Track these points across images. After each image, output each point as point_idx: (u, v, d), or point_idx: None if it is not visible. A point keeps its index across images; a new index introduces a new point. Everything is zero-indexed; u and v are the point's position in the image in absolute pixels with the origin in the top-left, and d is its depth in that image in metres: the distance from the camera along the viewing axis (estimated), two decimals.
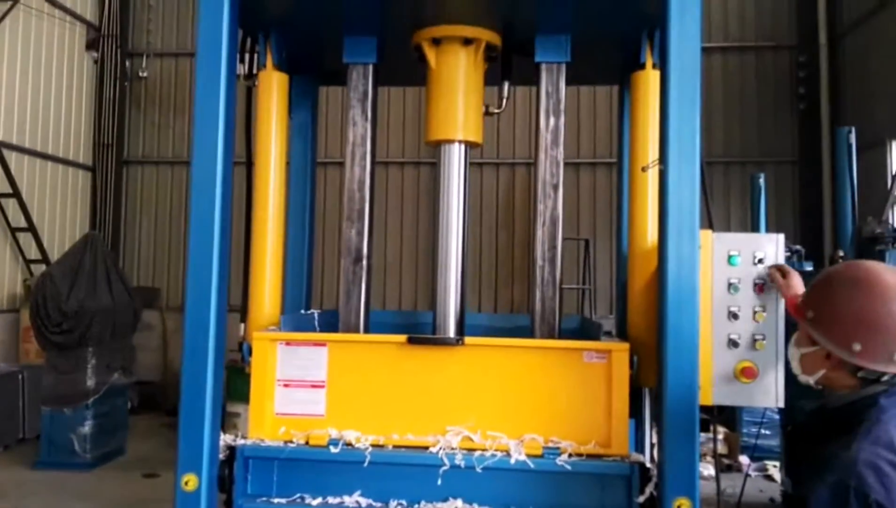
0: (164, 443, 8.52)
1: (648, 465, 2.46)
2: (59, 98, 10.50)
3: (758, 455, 7.25)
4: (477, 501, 2.51)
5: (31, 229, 9.49)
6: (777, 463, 7.13)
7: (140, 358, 9.29)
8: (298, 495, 2.59)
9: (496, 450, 2.49)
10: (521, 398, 2.57)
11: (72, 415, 7.18)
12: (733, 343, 2.52)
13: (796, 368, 1.90)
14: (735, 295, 2.51)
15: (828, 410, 1.82)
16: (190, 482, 2.47)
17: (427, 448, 2.53)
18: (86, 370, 7.21)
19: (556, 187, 2.84)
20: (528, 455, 2.46)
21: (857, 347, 1.70)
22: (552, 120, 2.88)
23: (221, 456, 2.56)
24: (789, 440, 2.01)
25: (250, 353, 2.69)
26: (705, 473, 6.85)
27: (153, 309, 10.77)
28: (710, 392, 2.48)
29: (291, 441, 2.60)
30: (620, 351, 2.52)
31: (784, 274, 2.48)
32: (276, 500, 2.58)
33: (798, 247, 7.06)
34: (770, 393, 2.48)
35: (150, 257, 11.47)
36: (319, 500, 2.57)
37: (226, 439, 2.60)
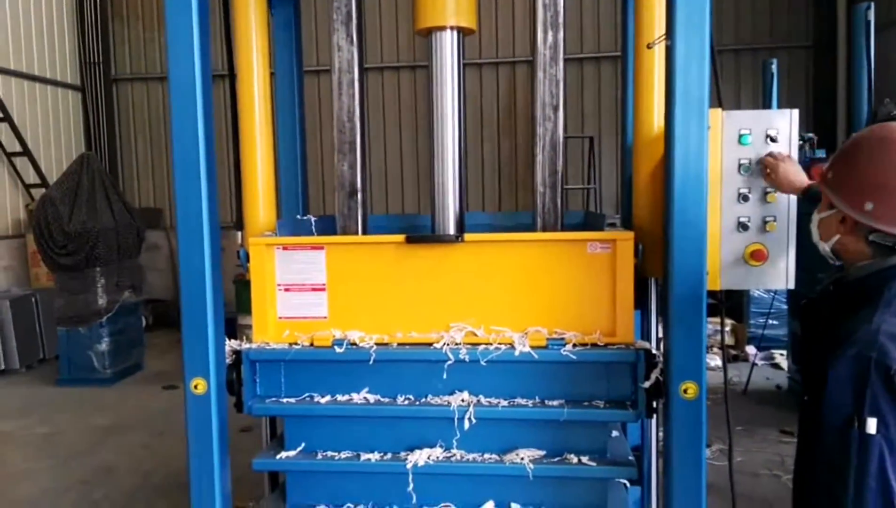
0: (180, 358, 8.67)
1: (654, 352, 2.44)
2: (39, 15, 10.16)
3: (765, 344, 7.33)
4: (483, 393, 2.52)
5: (27, 152, 9.39)
6: (784, 352, 7.21)
7: (150, 279, 9.38)
8: (307, 395, 2.61)
9: (500, 344, 2.48)
10: (524, 293, 2.53)
11: (87, 334, 7.31)
12: (743, 226, 2.45)
13: (815, 235, 1.86)
14: (746, 176, 2.42)
15: (846, 283, 1.75)
16: (199, 385, 2.48)
17: (431, 344, 2.52)
18: (96, 289, 7.28)
19: (556, 109, 2.68)
20: (533, 347, 2.45)
21: (868, 206, 1.64)
22: (550, 35, 2.69)
23: (228, 361, 2.57)
24: (803, 315, 1.94)
25: (248, 259, 2.65)
26: (712, 364, 6.96)
27: (158, 229, 10.79)
28: (718, 277, 2.43)
29: (296, 344, 2.60)
30: (625, 240, 2.46)
31: (777, 162, 2.39)
32: (284, 400, 2.61)
33: (811, 134, 6.89)
34: (780, 275, 2.43)
35: (150, 177, 11.39)
36: (328, 398, 2.59)
37: (231, 344, 2.60)
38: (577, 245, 2.49)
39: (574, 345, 2.44)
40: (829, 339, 1.65)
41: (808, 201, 2.36)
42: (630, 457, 2.60)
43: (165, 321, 10.14)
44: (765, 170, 2.42)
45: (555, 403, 2.50)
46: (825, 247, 1.82)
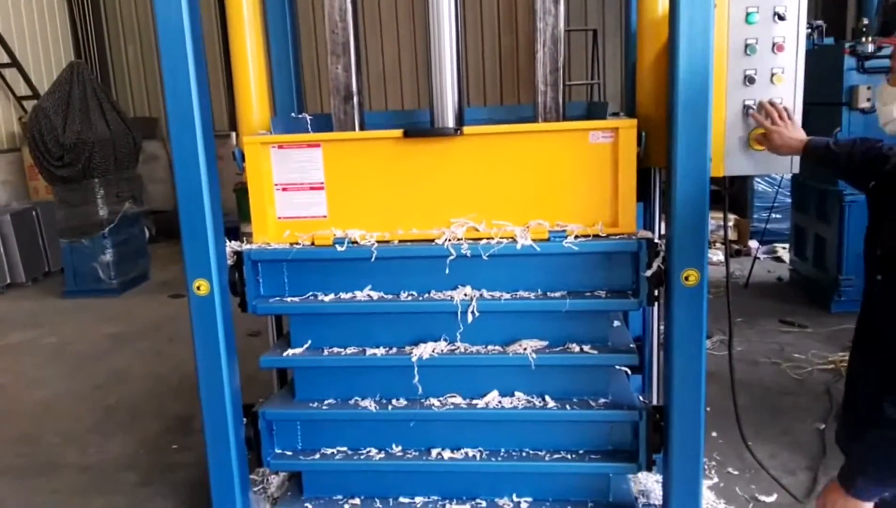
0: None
1: (657, 241, 2.43)
2: None
3: (767, 238, 7.33)
4: (485, 287, 2.54)
5: (16, 63, 9.15)
6: (786, 245, 7.23)
7: (150, 190, 9.33)
8: (311, 293, 2.63)
9: (502, 238, 2.47)
10: (525, 186, 2.51)
11: (90, 245, 7.32)
12: (749, 110, 2.38)
13: (890, 113, 1.80)
14: (752, 57, 2.33)
15: None
16: (202, 287, 2.49)
17: (432, 240, 2.51)
18: (95, 201, 7.24)
19: (556, 2, 2.55)
20: (535, 240, 2.44)
21: None
22: None
23: (230, 262, 2.57)
24: (873, 196, 1.83)
25: (243, 159, 2.60)
26: (714, 259, 6.99)
27: (154, 140, 10.63)
28: (722, 164, 2.38)
29: (297, 244, 2.60)
30: (628, 128, 2.41)
31: (779, 116, 2.30)
32: (288, 299, 2.62)
33: (819, 22, 6.64)
34: (785, 160, 2.38)
35: (143, 87, 11.12)
36: (332, 296, 2.61)
37: (231, 245, 2.60)
38: (578, 135, 2.44)
39: (576, 237, 2.43)
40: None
41: (809, 158, 2.26)
42: (631, 345, 2.64)
43: (168, 231, 10.13)
44: (762, 126, 2.33)
45: (557, 294, 2.52)
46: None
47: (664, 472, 2.51)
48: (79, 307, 7.06)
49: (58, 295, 7.58)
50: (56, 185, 7.25)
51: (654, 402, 2.99)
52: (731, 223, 7.69)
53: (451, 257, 2.47)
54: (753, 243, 7.51)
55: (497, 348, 2.57)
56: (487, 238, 2.48)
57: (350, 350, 2.65)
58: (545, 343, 2.56)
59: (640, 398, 2.83)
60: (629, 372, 2.95)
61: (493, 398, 2.59)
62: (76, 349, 5.85)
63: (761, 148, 2.35)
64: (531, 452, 2.61)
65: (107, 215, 7.34)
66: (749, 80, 2.35)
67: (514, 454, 2.61)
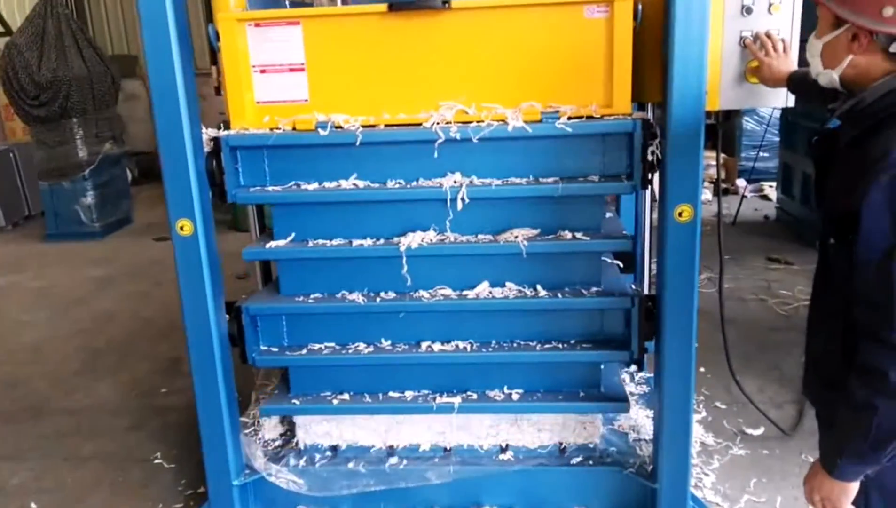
0: None
1: (652, 122, 2.33)
2: None
3: (755, 177, 7.32)
4: (476, 174, 2.45)
5: None
6: (773, 183, 7.22)
7: (131, 130, 9.11)
8: (293, 183, 2.53)
9: (492, 120, 2.37)
10: (516, 66, 2.38)
11: (71, 187, 7.20)
12: (744, 41, 2.30)
13: (817, 65, 1.61)
14: None
15: (861, 109, 1.52)
16: (185, 227, 2.43)
17: (420, 124, 2.40)
18: (75, 141, 7.08)
19: None
20: (526, 122, 2.33)
21: (888, 11, 1.42)
22: None
23: (206, 149, 2.44)
24: (815, 152, 1.75)
25: (217, 38, 2.45)
26: (702, 198, 6.98)
27: (134, 78, 10.35)
28: (718, 97, 2.32)
29: (277, 129, 2.47)
30: (624, 1, 2.28)
31: (773, 47, 2.23)
32: (270, 188, 2.53)
33: None
34: (779, 94, 2.32)
35: (121, 23, 10.79)
36: (315, 185, 2.51)
37: (208, 131, 2.46)
38: (573, 9, 2.32)
39: (569, 118, 2.33)
40: (851, 171, 1.48)
41: (792, 88, 2.21)
42: (624, 232, 2.60)
43: (151, 173, 9.95)
44: (755, 56, 2.26)
45: (549, 180, 2.43)
46: (833, 76, 1.58)
47: (656, 360, 2.48)
48: (61, 251, 6.98)
49: (39, 239, 7.48)
50: (33, 125, 7.08)
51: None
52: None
53: (440, 141, 2.36)
54: (741, 182, 7.50)
55: (488, 237, 2.50)
56: (477, 121, 2.38)
57: (336, 242, 2.56)
58: (537, 232, 2.49)
59: (633, 286, 2.78)
60: (621, 265, 2.89)
61: (483, 288, 2.53)
62: (61, 292, 5.79)
63: (756, 81, 2.29)
64: (522, 343, 2.58)
65: (87, 157, 7.19)
66: (746, 10, 2.27)
67: (504, 345, 2.58)
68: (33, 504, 2.97)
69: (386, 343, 2.63)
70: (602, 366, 2.66)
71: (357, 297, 2.57)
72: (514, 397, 2.62)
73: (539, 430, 2.73)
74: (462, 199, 2.41)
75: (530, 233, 2.48)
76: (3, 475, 3.17)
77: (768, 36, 2.25)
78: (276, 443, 2.90)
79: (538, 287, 2.53)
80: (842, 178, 1.55)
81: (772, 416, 3.19)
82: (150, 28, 2.23)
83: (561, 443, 2.73)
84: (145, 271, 6.23)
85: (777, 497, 2.73)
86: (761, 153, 7.27)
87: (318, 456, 2.78)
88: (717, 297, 2.94)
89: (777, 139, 7.00)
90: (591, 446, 2.72)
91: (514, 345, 2.58)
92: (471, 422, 2.73)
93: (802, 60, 2.14)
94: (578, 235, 2.47)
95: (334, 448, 2.80)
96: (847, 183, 1.49)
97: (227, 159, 2.45)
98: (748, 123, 7.72)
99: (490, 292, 2.53)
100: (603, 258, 2.69)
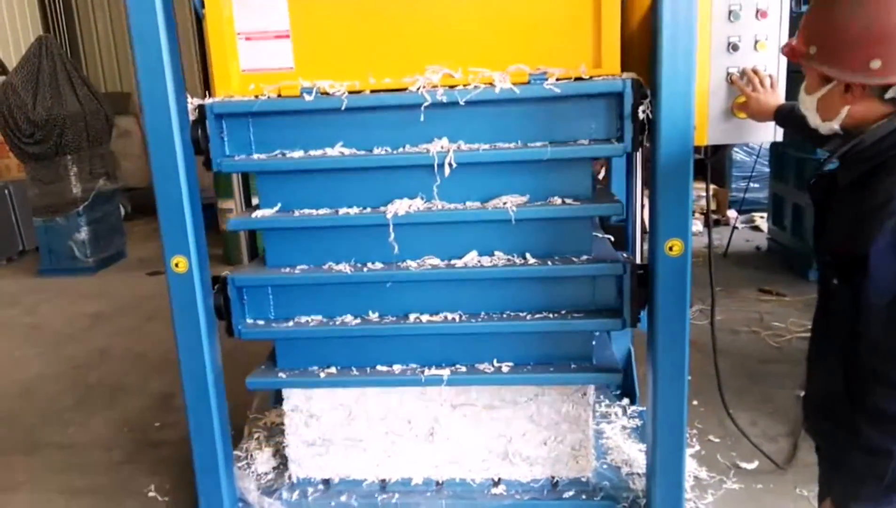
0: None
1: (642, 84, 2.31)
2: None
3: (745, 208, 7.38)
4: (463, 139, 2.43)
5: None
6: (764, 214, 7.28)
7: (124, 166, 9.13)
8: (278, 151, 2.52)
9: (480, 83, 2.34)
10: (503, 28, 2.38)
11: (65, 223, 7.19)
12: (731, 77, 2.36)
13: (815, 119, 1.63)
14: (735, 23, 2.30)
15: (861, 150, 1.51)
16: (180, 264, 2.45)
17: (406, 89, 2.38)
18: (69, 178, 7.09)
19: None
20: (514, 84, 2.32)
21: (875, 64, 1.44)
22: None
23: (191, 117, 2.43)
24: (814, 194, 1.74)
25: (203, 5, 2.44)
26: (693, 229, 7.03)
27: (127, 115, 10.43)
28: (706, 132, 2.37)
29: (262, 95, 2.46)
30: None
31: (760, 82, 2.29)
32: (255, 156, 2.52)
33: None
34: (768, 128, 2.37)
35: (114, 61, 10.88)
36: (301, 153, 2.50)
37: (193, 100, 2.45)
38: None
39: (557, 79, 2.32)
40: (853, 213, 1.49)
41: (780, 122, 2.27)
42: (615, 197, 2.60)
43: (144, 209, 9.96)
44: (742, 91, 2.32)
45: (538, 144, 2.41)
46: (833, 126, 1.59)
47: (649, 391, 2.46)
48: (55, 286, 6.95)
49: (33, 274, 7.46)
50: (28, 162, 7.10)
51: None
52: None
53: (426, 105, 2.33)
54: (732, 213, 7.56)
55: (476, 204, 2.47)
56: (464, 84, 2.35)
57: (322, 212, 2.53)
58: (526, 198, 2.46)
59: (625, 255, 2.71)
60: (612, 239, 2.85)
61: (471, 257, 2.50)
62: (54, 327, 5.76)
63: (744, 116, 2.35)
64: (512, 314, 2.53)
65: (80, 193, 7.20)
66: (733, 47, 2.33)
67: (494, 316, 2.53)
68: None
69: (374, 316, 2.57)
70: (594, 339, 2.60)
71: (344, 267, 2.52)
72: (505, 369, 2.55)
73: (531, 464, 2.72)
74: (449, 164, 2.37)
75: (519, 200, 2.44)
76: None
77: (755, 71, 2.30)
78: (269, 476, 2.89)
79: (527, 256, 2.48)
80: (842, 219, 1.56)
81: (766, 449, 3.18)
82: (146, 71, 2.28)
83: (553, 477, 2.72)
84: (138, 305, 6.21)
85: None
86: (752, 184, 7.34)
87: (310, 490, 2.76)
88: (710, 329, 2.97)
89: (767, 170, 7.07)
90: (584, 480, 2.72)
91: (504, 316, 2.52)
92: (464, 456, 2.72)
93: (790, 94, 2.19)
94: (568, 200, 2.43)
95: (326, 482, 2.79)
96: (849, 225, 1.50)
97: (212, 127, 2.43)
98: (738, 155, 7.82)
99: (479, 262, 2.48)
100: (595, 233, 2.67)
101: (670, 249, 2.30)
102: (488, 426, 2.69)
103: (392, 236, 2.47)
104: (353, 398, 2.70)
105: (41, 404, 4.33)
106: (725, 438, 3.38)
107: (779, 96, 2.28)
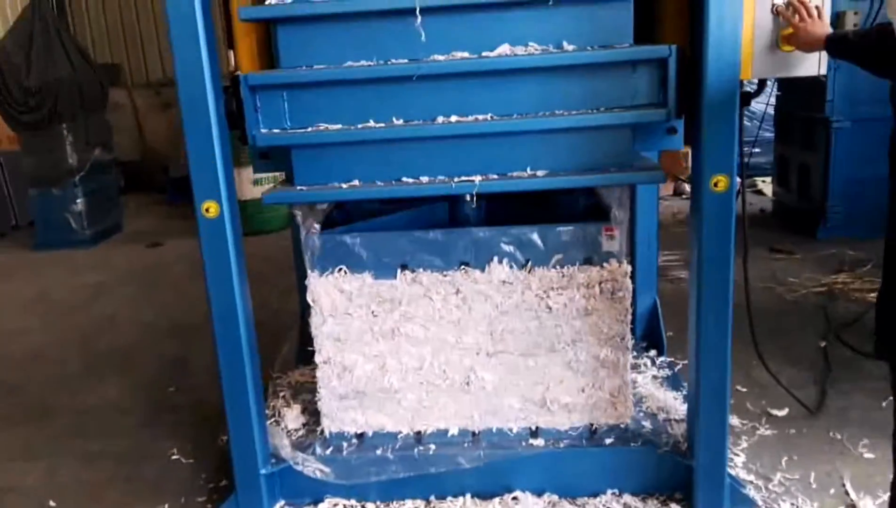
0: (160, 217, 8.54)
1: None
2: None
3: (749, 172, 7.37)
4: None
5: None
6: (766, 179, 7.30)
7: (116, 140, 8.99)
8: None
9: None
10: None
11: (61, 194, 7.07)
12: (776, 8, 2.29)
13: None
14: None
15: None
16: (211, 208, 2.37)
17: None
18: (64, 147, 6.96)
19: None
20: None
21: None
22: None
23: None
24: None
25: None
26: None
27: (119, 87, 10.24)
28: (750, 66, 2.31)
29: None
30: None
31: (807, 13, 2.20)
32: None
33: None
34: (812, 59, 2.32)
35: (104, 32, 10.66)
36: None
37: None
38: None
39: None
40: None
41: (830, 51, 2.20)
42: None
43: (136, 183, 9.83)
44: (789, 22, 2.24)
45: None
46: None
47: (693, 331, 2.40)
48: (53, 259, 6.84)
49: (28, 247, 7.33)
50: (22, 132, 6.96)
51: None
52: None
53: None
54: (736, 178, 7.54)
55: None
56: None
57: None
58: None
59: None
60: None
61: (504, 49, 2.33)
62: (56, 298, 5.67)
63: (790, 49, 2.29)
64: (547, 114, 2.34)
65: (77, 163, 7.07)
66: None
67: (528, 116, 2.34)
68: (52, 502, 2.87)
69: (398, 121, 2.36)
70: (633, 140, 2.41)
71: (366, 64, 2.35)
72: (540, 174, 2.36)
73: (569, 412, 2.68)
74: None
75: None
76: (16, 475, 3.07)
77: (801, 2, 2.24)
78: (300, 433, 2.84)
79: (564, 44, 2.32)
80: None
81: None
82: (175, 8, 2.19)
83: (592, 424, 2.69)
84: (141, 276, 6.13)
85: (811, 472, 2.71)
86: (756, 149, 7.32)
87: (344, 444, 2.72)
88: (743, 266, 2.92)
89: (769, 135, 7.06)
90: (623, 426, 2.69)
91: (539, 116, 2.34)
92: (501, 406, 2.69)
93: (834, 25, 2.15)
94: None
95: (360, 436, 2.74)
96: None
97: None
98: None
99: (512, 52, 2.33)
100: None
101: (715, 184, 2.26)
102: (525, 374, 2.64)
103: (419, 20, 2.26)
104: (386, 348, 2.65)
105: (50, 371, 4.25)
106: (752, 387, 3.37)
107: (826, 25, 2.23)
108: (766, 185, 7.38)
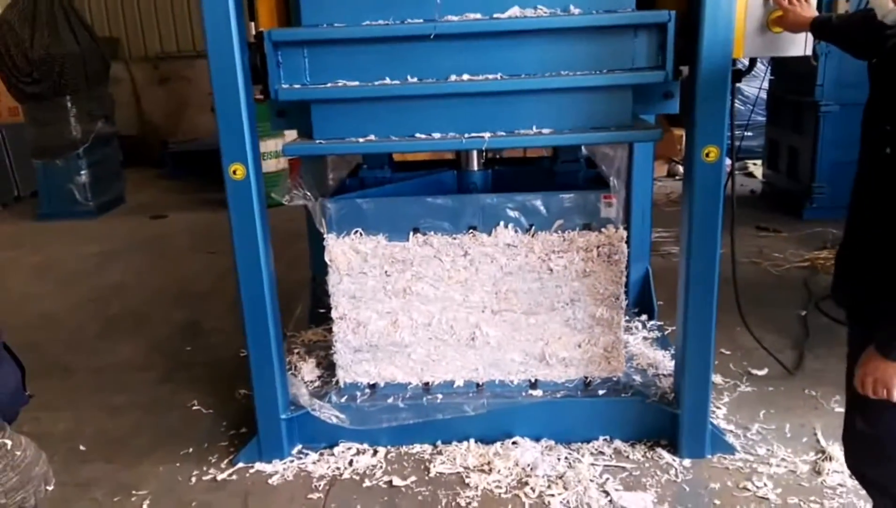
0: (161, 190, 8.66)
1: None
2: None
3: (740, 155, 7.57)
4: None
5: None
6: (757, 161, 7.50)
7: (116, 114, 9.08)
8: None
9: None
10: None
11: (65, 165, 7.19)
12: None
13: (886, 5, 1.75)
14: None
15: None
16: (238, 171, 2.54)
17: None
18: (68, 119, 7.07)
19: None
20: None
21: None
22: None
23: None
24: (875, 75, 1.81)
25: None
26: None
27: (117, 61, 10.29)
28: (742, 45, 2.50)
29: None
30: None
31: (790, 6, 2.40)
32: None
33: None
34: (800, 40, 2.50)
35: (102, 6, 10.70)
36: None
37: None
38: None
39: None
40: None
41: (816, 33, 2.38)
42: None
43: (136, 157, 9.93)
44: (779, 5, 2.43)
45: None
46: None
47: (681, 292, 2.60)
48: (57, 229, 6.97)
49: (32, 218, 7.46)
50: (26, 103, 7.06)
51: None
52: None
53: None
54: (726, 160, 7.74)
55: None
56: None
57: None
58: None
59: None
60: None
61: (514, 11, 2.49)
62: (64, 266, 5.81)
63: (779, 30, 2.48)
64: (553, 74, 2.49)
65: (80, 135, 7.18)
66: None
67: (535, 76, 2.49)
68: (82, 447, 3.06)
69: (413, 79, 2.50)
70: (632, 101, 2.55)
71: (383, 23, 2.49)
72: (546, 131, 2.53)
73: (566, 366, 2.89)
74: None
75: None
76: (46, 423, 3.24)
77: None
78: (316, 384, 3.04)
79: (571, 7, 2.48)
80: None
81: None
82: None
83: (586, 377, 2.90)
84: (147, 245, 6.28)
85: (785, 424, 2.93)
86: (746, 133, 7.52)
87: (358, 393, 2.92)
88: (730, 235, 3.12)
89: (761, 119, 7.25)
90: (615, 379, 2.90)
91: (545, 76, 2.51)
92: (503, 359, 2.89)
93: (820, 9, 2.34)
94: None
95: (373, 386, 2.94)
96: None
97: None
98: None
99: (522, 13, 2.48)
100: None
101: (707, 155, 2.45)
102: (526, 330, 2.85)
103: None
104: (398, 305, 2.84)
105: (64, 334, 4.41)
106: (735, 351, 3.59)
107: (813, 9, 2.41)
108: (756, 167, 7.59)
